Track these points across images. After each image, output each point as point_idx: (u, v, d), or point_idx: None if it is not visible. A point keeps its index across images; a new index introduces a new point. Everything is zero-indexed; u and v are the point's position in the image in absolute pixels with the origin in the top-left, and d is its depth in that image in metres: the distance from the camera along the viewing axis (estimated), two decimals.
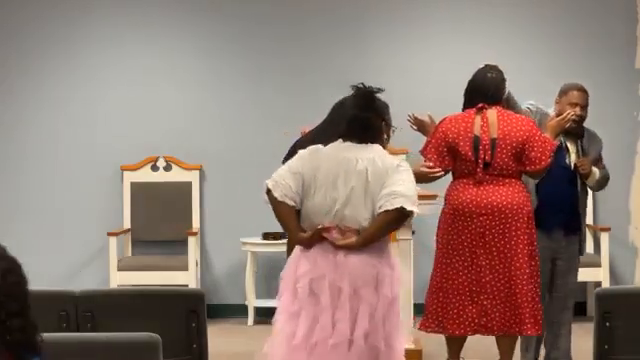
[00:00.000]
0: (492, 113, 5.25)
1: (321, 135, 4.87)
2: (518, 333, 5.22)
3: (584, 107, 5.57)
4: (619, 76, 7.83)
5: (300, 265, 4.13)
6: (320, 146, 4.24)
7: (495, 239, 5.14)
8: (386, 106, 4.33)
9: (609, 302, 4.09)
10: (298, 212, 4.16)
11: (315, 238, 4.08)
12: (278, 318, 4.27)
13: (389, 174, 4.03)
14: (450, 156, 5.25)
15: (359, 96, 4.28)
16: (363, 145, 4.15)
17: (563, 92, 5.63)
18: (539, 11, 7.86)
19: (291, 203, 4.12)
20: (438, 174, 5.22)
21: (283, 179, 4.13)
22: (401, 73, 7.80)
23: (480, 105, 5.25)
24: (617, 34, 7.83)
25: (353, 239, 4.04)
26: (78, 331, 3.96)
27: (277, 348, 4.21)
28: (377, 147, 4.16)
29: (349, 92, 5.09)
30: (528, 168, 5.21)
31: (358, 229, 4.05)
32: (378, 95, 4.28)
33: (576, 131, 5.58)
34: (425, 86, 7.62)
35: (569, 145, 5.57)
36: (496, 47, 7.73)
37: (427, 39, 7.91)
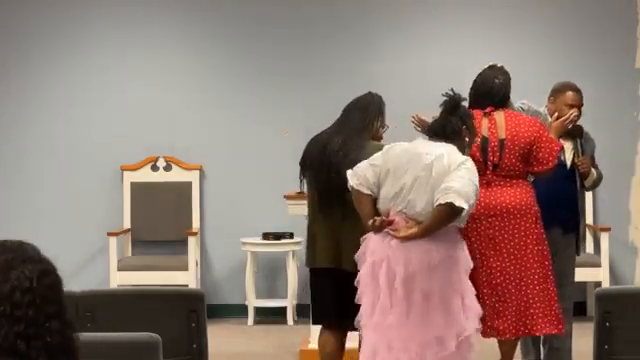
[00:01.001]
0: (499, 114, 5.25)
1: (348, 133, 4.91)
2: (530, 334, 5.20)
3: (579, 107, 5.60)
4: (619, 76, 7.83)
5: (367, 248, 4.51)
6: (402, 142, 4.64)
7: (505, 240, 5.13)
8: (469, 115, 4.69)
9: (609, 302, 4.09)
10: (375, 200, 4.57)
11: (380, 228, 4.44)
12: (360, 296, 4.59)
13: (451, 170, 4.36)
14: None
15: (447, 101, 4.65)
16: (438, 143, 4.52)
17: (558, 92, 5.64)
18: (539, 12, 7.86)
19: (366, 192, 4.53)
20: None
21: (362, 170, 4.55)
22: (402, 74, 7.81)
23: (488, 109, 5.25)
24: (617, 34, 7.83)
25: (413, 230, 4.39)
26: (78, 331, 3.96)
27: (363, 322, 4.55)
28: (450, 146, 4.51)
29: (348, 93, 5.13)
30: (536, 169, 5.21)
31: (419, 220, 4.40)
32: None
33: (574, 131, 5.59)
34: (426, 87, 7.60)
35: (565, 143, 5.58)
36: (496, 48, 7.73)
37: (428, 41, 7.92)
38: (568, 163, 5.58)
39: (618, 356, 4.08)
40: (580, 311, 7.12)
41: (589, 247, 7.62)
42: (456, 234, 4.56)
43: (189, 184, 7.90)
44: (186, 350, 4.06)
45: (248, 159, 7.85)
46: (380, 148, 4.91)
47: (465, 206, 4.31)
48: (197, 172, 7.90)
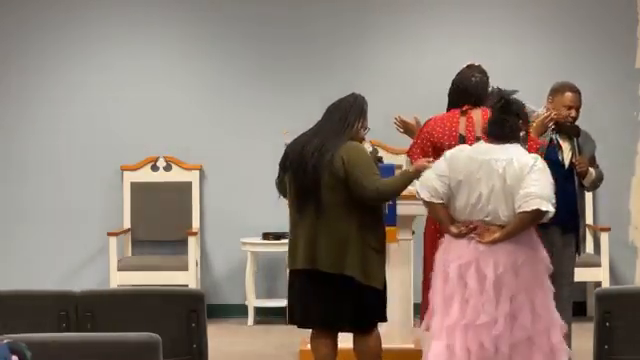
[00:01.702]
0: (477, 113, 5.28)
1: (326, 134, 4.91)
2: None
3: (578, 108, 5.61)
4: (619, 76, 7.83)
5: (450, 251, 4.55)
6: (463, 147, 4.71)
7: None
8: (522, 105, 4.66)
9: (609, 302, 4.09)
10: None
11: (463, 234, 4.51)
12: (433, 299, 4.62)
13: (525, 174, 4.40)
14: (435, 156, 5.23)
15: (499, 100, 4.63)
16: (501, 145, 4.53)
17: (556, 92, 5.65)
18: (538, 12, 7.85)
19: (438, 201, 4.58)
20: None
21: (429, 181, 4.60)
22: (401, 75, 7.81)
23: (465, 107, 5.27)
24: (617, 35, 7.83)
25: (496, 235, 4.44)
26: (78, 331, 3.96)
27: (434, 326, 4.57)
28: (514, 147, 4.53)
29: (348, 93, 5.12)
30: None
31: (501, 225, 4.45)
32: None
33: (571, 130, 5.60)
34: (425, 87, 7.61)
35: (562, 143, 5.59)
36: (496, 48, 7.74)
37: (427, 41, 7.91)
38: (566, 163, 5.58)
39: (618, 356, 4.08)
40: (580, 311, 7.12)
41: (589, 247, 7.62)
42: (535, 234, 4.62)
43: (189, 184, 7.90)
44: (186, 350, 4.06)
45: (248, 159, 7.85)
46: (358, 149, 4.93)
47: (551, 209, 4.38)
48: (197, 172, 7.90)
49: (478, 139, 5.19)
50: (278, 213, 7.11)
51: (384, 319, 5.08)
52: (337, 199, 4.86)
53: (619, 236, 7.73)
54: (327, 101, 5.12)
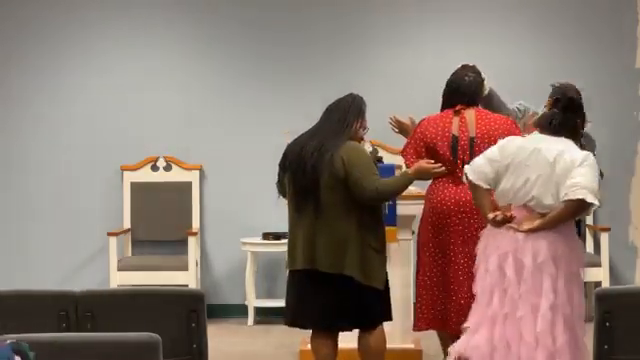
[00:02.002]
0: (470, 113, 5.28)
1: (325, 134, 4.91)
2: None
3: None
4: (619, 76, 7.83)
5: (489, 242, 4.60)
6: (516, 137, 4.75)
7: (473, 237, 5.15)
8: (582, 106, 4.73)
9: (609, 302, 4.09)
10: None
11: (498, 222, 4.55)
12: (475, 289, 4.67)
13: (575, 166, 4.43)
14: (428, 156, 5.25)
15: (559, 98, 4.66)
16: (556, 138, 4.57)
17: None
18: (538, 12, 7.85)
19: (486, 186, 4.64)
20: (440, 170, 5.16)
21: (479, 166, 4.64)
22: (400, 75, 7.81)
23: (458, 107, 5.27)
24: (617, 34, 7.83)
25: (537, 222, 4.48)
26: (78, 331, 3.96)
27: (474, 318, 4.61)
28: (567, 141, 4.57)
29: (346, 93, 5.13)
30: None
31: (542, 213, 4.48)
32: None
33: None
34: (424, 88, 7.60)
35: None
36: (495, 48, 7.74)
37: (426, 42, 7.91)
38: None
39: (618, 356, 4.07)
40: None
41: (589, 247, 7.62)
42: (573, 227, 4.65)
43: (189, 184, 7.90)
44: (186, 350, 4.06)
45: (248, 159, 7.85)
46: (358, 149, 4.93)
47: (596, 202, 4.39)
48: (197, 172, 7.90)
49: (471, 140, 5.20)
50: (278, 213, 7.10)
51: (388, 318, 5.08)
52: (336, 199, 4.87)
53: (619, 236, 7.73)
54: (327, 101, 5.12)
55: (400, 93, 7.66)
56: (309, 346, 5.25)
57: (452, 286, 5.24)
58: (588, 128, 5.67)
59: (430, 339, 6.00)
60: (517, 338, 4.45)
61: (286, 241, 5.04)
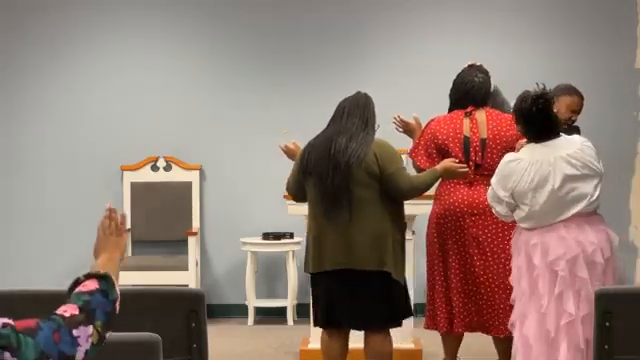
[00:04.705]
0: (481, 114, 5.26)
1: (353, 132, 4.89)
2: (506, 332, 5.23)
3: (579, 112, 5.65)
4: (619, 76, 7.83)
5: (549, 251, 4.55)
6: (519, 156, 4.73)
7: (489, 239, 5.15)
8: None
9: (609, 302, 4.08)
10: None
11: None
12: (525, 301, 4.62)
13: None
14: (439, 157, 5.23)
15: (534, 100, 4.65)
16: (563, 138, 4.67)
17: (564, 93, 5.65)
18: (538, 12, 7.86)
19: None
20: (465, 170, 5.14)
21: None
22: (402, 75, 7.81)
23: (470, 109, 5.26)
24: (617, 34, 7.83)
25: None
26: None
27: (532, 332, 4.57)
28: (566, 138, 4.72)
29: (347, 93, 5.13)
30: None
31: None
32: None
33: (571, 131, 5.62)
34: (427, 87, 7.61)
35: None
36: (495, 48, 7.74)
37: (427, 41, 7.92)
38: None
39: (618, 356, 4.07)
40: None
41: None
42: (606, 225, 4.73)
43: (189, 184, 7.90)
44: (186, 350, 4.05)
45: (248, 159, 7.85)
46: (388, 145, 4.91)
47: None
48: (197, 172, 7.90)
49: (483, 141, 5.19)
50: (278, 213, 7.13)
51: (411, 313, 5.08)
52: (371, 195, 4.83)
53: (619, 236, 7.69)
54: (326, 101, 5.12)
55: (401, 92, 7.66)
56: (309, 346, 5.26)
57: (468, 287, 5.21)
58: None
59: (430, 339, 6.00)
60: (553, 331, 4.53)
61: (287, 241, 5.03)
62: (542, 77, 6.42)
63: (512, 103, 5.69)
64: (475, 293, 5.20)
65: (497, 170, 4.71)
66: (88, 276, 2.34)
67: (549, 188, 4.52)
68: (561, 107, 5.59)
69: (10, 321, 2.11)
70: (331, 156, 4.84)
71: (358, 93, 5.07)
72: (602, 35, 7.83)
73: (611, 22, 7.84)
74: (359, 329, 5.01)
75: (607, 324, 4.02)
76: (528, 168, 4.57)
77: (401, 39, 7.91)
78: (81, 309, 2.22)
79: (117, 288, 2.31)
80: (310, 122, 5.14)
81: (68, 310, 2.22)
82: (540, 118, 4.58)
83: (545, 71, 7.35)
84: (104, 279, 2.32)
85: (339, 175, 4.81)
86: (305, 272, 5.09)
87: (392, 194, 4.85)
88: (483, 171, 5.18)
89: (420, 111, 5.71)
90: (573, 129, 5.63)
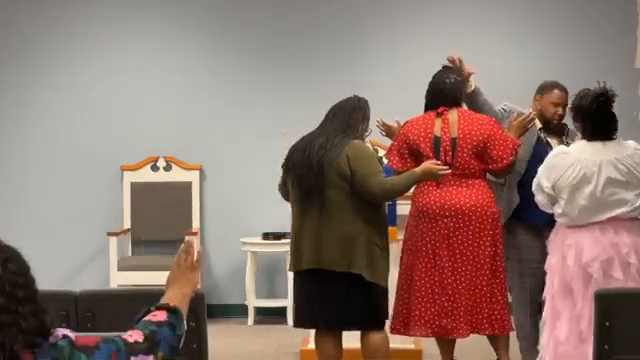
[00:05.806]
0: (453, 113, 5.28)
1: (331, 133, 4.92)
2: (479, 333, 5.23)
3: (565, 106, 5.63)
4: (619, 76, 7.81)
5: (584, 252, 4.57)
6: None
7: (459, 241, 5.14)
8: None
9: (609, 302, 4.08)
10: None
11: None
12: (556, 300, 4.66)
13: None
14: (412, 157, 5.25)
15: (594, 98, 4.84)
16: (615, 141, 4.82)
17: (544, 90, 5.69)
18: (538, 12, 7.85)
19: None
20: (447, 171, 5.15)
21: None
22: (401, 74, 7.81)
23: (440, 109, 5.27)
24: (617, 35, 7.83)
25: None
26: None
27: (561, 335, 4.61)
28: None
29: (347, 93, 5.14)
30: (490, 167, 5.23)
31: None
32: None
33: (559, 129, 5.64)
34: (424, 88, 7.60)
35: (551, 140, 5.60)
36: (495, 48, 7.74)
37: (426, 41, 7.92)
38: None
39: (618, 356, 4.07)
40: None
41: None
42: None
43: (189, 184, 7.90)
44: (186, 350, 4.05)
45: (248, 159, 7.85)
46: (364, 147, 4.94)
47: None
48: (197, 172, 7.90)
49: (453, 140, 5.19)
50: (278, 213, 7.13)
51: (387, 316, 5.09)
52: (342, 197, 4.87)
53: None
54: (327, 101, 5.13)
55: (401, 92, 7.65)
56: (309, 346, 5.26)
57: (436, 289, 5.20)
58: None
59: (430, 339, 6.00)
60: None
61: (286, 241, 5.08)
62: (542, 77, 6.42)
63: (503, 104, 5.71)
64: (440, 295, 5.17)
65: (545, 160, 4.80)
66: (159, 307, 2.34)
67: (590, 189, 4.59)
68: (545, 103, 5.62)
69: (71, 334, 2.12)
70: (306, 157, 4.93)
71: (351, 97, 5.11)
72: (602, 35, 7.83)
73: (611, 22, 7.84)
74: (338, 329, 5.05)
75: (607, 324, 4.03)
76: (574, 164, 4.63)
77: (401, 39, 7.91)
78: (146, 337, 2.23)
79: (184, 323, 2.31)
80: (310, 122, 5.13)
81: (133, 335, 2.23)
82: (599, 116, 4.67)
83: (545, 71, 7.33)
84: (174, 313, 2.33)
85: (312, 175, 4.90)
86: (289, 270, 5.15)
87: (364, 197, 4.88)
88: (455, 170, 5.17)
89: (420, 111, 5.71)
90: (559, 127, 5.65)
